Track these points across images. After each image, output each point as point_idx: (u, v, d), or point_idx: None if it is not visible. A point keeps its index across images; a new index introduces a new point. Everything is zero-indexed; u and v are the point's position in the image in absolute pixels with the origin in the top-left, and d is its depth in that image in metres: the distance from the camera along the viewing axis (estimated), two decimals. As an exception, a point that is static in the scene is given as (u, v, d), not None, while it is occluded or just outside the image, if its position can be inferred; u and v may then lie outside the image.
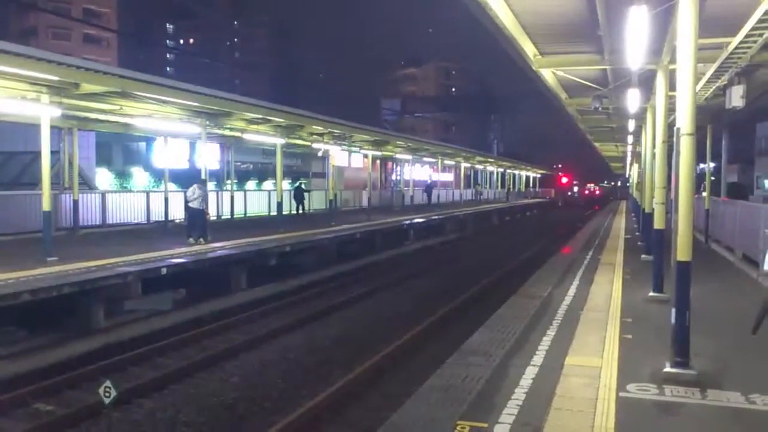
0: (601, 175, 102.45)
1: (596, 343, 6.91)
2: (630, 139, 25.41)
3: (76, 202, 17.82)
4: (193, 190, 15.23)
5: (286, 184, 34.74)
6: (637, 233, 20.84)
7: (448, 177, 54.70)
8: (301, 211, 26.99)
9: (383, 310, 13.18)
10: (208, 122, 16.80)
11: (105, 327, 10.25)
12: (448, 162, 44.24)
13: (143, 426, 6.92)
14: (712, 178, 19.74)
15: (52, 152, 13.22)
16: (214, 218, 21.88)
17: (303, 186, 28.60)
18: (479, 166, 54.51)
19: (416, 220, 26.45)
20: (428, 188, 41.51)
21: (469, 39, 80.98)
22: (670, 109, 10.33)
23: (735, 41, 8.74)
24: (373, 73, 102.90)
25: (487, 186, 58.20)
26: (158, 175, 31.95)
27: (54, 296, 9.24)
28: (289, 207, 27.18)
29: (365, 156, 31.55)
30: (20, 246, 14.18)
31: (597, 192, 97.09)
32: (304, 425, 6.81)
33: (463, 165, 47.21)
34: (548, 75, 13.29)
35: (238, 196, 26.24)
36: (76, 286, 9.63)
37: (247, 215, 26.02)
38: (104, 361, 8.80)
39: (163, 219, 20.80)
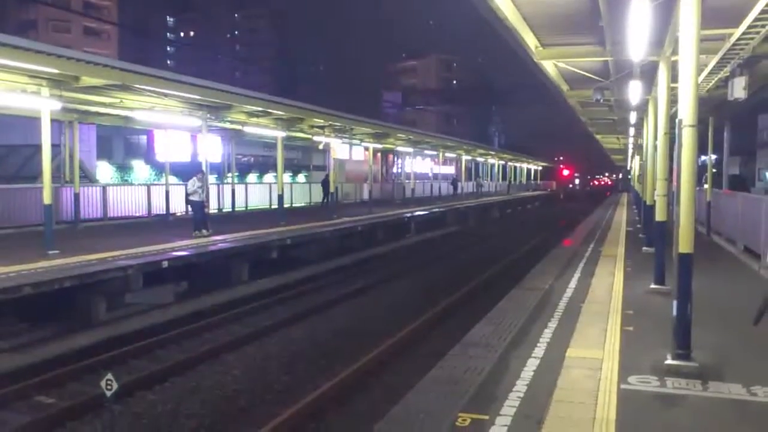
0: (602, 167, 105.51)
1: (597, 335, 6.91)
2: (632, 131, 25.31)
3: (77, 196, 17.80)
4: (193, 183, 15.18)
5: (286, 177, 34.89)
6: (638, 225, 20.82)
7: (450, 170, 54.65)
8: (326, 201, 27.90)
9: (385, 303, 13.19)
10: (208, 115, 16.76)
11: (106, 320, 10.27)
12: (449, 155, 44.29)
13: (145, 418, 6.94)
14: (714, 170, 19.69)
15: (53, 145, 13.20)
16: (215, 211, 21.89)
17: (330, 178, 29.21)
18: (480, 159, 54.45)
19: (417, 213, 26.43)
20: (454, 181, 47.28)
21: (470, 31, 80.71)
22: (672, 101, 10.24)
23: (737, 32, 8.67)
24: (373, 65, 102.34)
25: (488, 178, 58.17)
26: (159, 168, 31.95)
27: (55, 289, 9.26)
28: (291, 199, 27.84)
29: (366, 148, 31.50)
30: (21, 239, 14.21)
31: (609, 183, 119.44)
32: (306, 417, 6.83)
33: (464, 158, 47.25)
34: (549, 67, 13.22)
35: (239, 189, 26.25)
36: (77, 279, 9.64)
37: (249, 208, 26.04)
38: (106, 354, 8.82)
39: (165, 212, 20.80)
